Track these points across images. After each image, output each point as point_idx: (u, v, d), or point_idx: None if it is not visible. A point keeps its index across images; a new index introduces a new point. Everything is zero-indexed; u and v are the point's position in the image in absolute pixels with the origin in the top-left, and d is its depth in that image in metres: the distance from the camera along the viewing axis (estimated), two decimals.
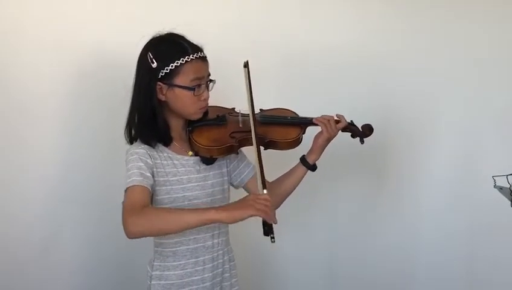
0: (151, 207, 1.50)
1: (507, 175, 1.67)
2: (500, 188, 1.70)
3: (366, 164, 2.30)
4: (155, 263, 1.64)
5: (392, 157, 2.35)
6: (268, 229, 1.38)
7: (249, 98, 1.58)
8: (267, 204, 1.39)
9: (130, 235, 1.41)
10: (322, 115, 1.74)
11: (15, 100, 2.01)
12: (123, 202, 1.52)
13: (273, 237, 1.38)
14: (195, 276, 1.63)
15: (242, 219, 1.38)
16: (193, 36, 1.60)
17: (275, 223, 1.38)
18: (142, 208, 1.43)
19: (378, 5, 2.30)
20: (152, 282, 1.63)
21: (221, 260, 1.68)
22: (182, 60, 1.53)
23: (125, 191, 1.50)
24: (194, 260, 1.62)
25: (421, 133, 2.38)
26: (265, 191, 1.44)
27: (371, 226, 2.42)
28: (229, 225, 1.71)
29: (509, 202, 1.69)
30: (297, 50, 2.25)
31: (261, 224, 1.40)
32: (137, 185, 1.48)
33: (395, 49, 2.32)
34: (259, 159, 1.49)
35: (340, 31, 2.28)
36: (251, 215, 1.37)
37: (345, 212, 2.40)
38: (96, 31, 2.04)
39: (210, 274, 1.64)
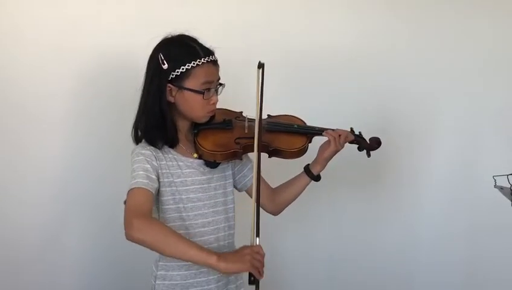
0: (159, 222, 1.51)
1: (507, 175, 1.67)
2: (501, 188, 1.71)
3: (366, 165, 2.28)
4: (160, 263, 1.64)
5: (392, 158, 2.35)
6: (255, 282, 1.43)
7: (258, 103, 1.53)
8: (261, 260, 1.42)
9: (130, 238, 1.40)
10: (336, 129, 1.73)
11: (20, 102, 2.02)
12: (125, 202, 1.52)
13: None
14: (200, 277, 1.63)
15: (237, 273, 1.47)
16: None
17: (261, 278, 1.43)
18: (149, 216, 1.44)
19: (378, 5, 2.31)
20: (156, 282, 1.63)
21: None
22: (193, 63, 1.52)
23: (129, 191, 1.49)
24: None
25: (421, 133, 2.39)
26: (257, 240, 1.46)
27: (371, 227, 2.43)
28: (234, 228, 1.72)
29: (510, 202, 1.70)
30: (297, 50, 2.25)
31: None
32: (142, 188, 1.48)
33: (394, 50, 2.32)
34: (257, 203, 1.48)
35: (340, 31, 2.29)
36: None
37: (345, 213, 2.40)
38: (98, 31, 2.05)
39: (215, 276, 1.64)
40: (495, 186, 1.72)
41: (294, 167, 1.77)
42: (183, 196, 1.60)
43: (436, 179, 2.40)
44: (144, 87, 1.59)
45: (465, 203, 2.41)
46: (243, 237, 1.78)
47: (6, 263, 2.06)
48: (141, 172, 1.51)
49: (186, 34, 1.59)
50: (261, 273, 1.42)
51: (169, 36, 1.59)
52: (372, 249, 2.43)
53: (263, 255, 1.44)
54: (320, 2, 2.27)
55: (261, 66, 1.53)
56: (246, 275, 1.74)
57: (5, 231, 2.05)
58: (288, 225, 2.32)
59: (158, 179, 1.56)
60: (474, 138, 2.39)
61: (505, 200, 1.73)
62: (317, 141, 1.75)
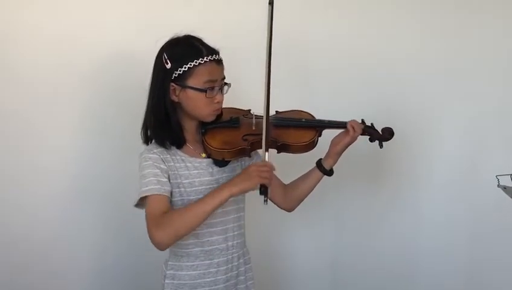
0: (169, 213, 1.52)
1: (511, 174, 1.70)
2: (504, 188, 1.72)
3: (368, 165, 2.30)
4: (169, 262, 1.65)
5: (394, 158, 2.34)
6: (264, 191, 1.50)
7: (268, 40, 1.55)
8: (268, 170, 1.51)
9: (163, 248, 1.49)
10: (352, 120, 1.74)
11: (25, 101, 2.02)
12: (135, 205, 1.56)
13: (266, 200, 1.51)
14: (208, 278, 1.63)
15: (250, 190, 1.53)
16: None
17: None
18: (162, 218, 1.48)
19: (379, 4, 2.32)
20: (166, 281, 1.64)
21: (235, 263, 1.68)
22: (196, 62, 1.54)
23: (142, 198, 1.52)
24: (207, 261, 1.63)
25: (423, 133, 2.38)
26: (266, 155, 1.52)
27: (373, 226, 2.42)
28: (244, 228, 1.72)
29: None
30: (299, 50, 2.26)
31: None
32: (157, 195, 1.51)
33: (395, 50, 2.33)
34: (266, 118, 1.53)
35: (341, 28, 2.29)
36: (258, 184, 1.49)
37: (348, 213, 2.40)
38: (101, 32, 2.06)
39: (223, 277, 1.64)
40: (498, 185, 1.73)
41: (307, 163, 1.77)
42: (191, 197, 1.60)
43: (439, 178, 2.40)
44: (151, 88, 1.61)
45: (468, 203, 2.40)
46: (253, 236, 1.80)
47: (16, 257, 2.06)
48: (152, 178, 1.53)
49: (192, 34, 1.61)
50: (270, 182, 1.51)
51: (175, 37, 1.61)
52: (374, 248, 2.42)
53: (270, 166, 1.53)
54: (321, 2, 2.28)
55: (271, 2, 1.55)
56: (255, 276, 1.76)
57: (19, 226, 2.05)
58: (290, 224, 2.31)
59: (169, 180, 1.57)
60: (476, 137, 2.39)
61: (508, 200, 1.76)
62: (328, 135, 1.75)
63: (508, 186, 1.72)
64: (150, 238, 1.46)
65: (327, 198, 2.34)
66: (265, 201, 1.51)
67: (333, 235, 2.41)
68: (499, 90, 2.39)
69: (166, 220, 1.47)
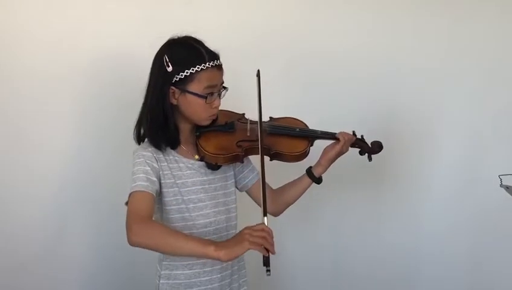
0: (157, 223, 1.51)
1: None
2: (507, 187, 1.71)
3: (368, 167, 2.22)
4: (164, 262, 1.66)
5: (394, 160, 2.32)
6: (265, 261, 1.32)
7: (259, 108, 1.57)
8: (263, 235, 1.33)
9: (132, 243, 1.40)
10: (342, 131, 1.75)
11: (23, 101, 2.04)
12: (126, 203, 1.54)
13: (269, 270, 1.31)
14: (204, 276, 1.65)
15: (239, 256, 1.36)
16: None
17: (273, 254, 1.32)
18: (148, 219, 1.44)
19: (379, 7, 2.29)
20: (160, 281, 1.66)
21: (230, 262, 1.66)
22: (198, 68, 1.52)
23: (130, 194, 1.51)
24: (203, 260, 1.64)
25: (423, 134, 2.37)
26: (265, 220, 1.39)
27: (373, 229, 2.42)
28: (236, 228, 1.72)
29: None
30: (300, 53, 2.25)
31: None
32: (142, 191, 1.49)
33: (395, 52, 2.31)
34: (263, 185, 1.48)
35: (341, 32, 2.27)
36: (248, 250, 1.33)
37: (346, 216, 2.40)
38: (101, 32, 2.07)
39: (219, 275, 1.66)
40: (501, 185, 1.72)
41: (297, 168, 1.77)
42: (184, 197, 1.61)
43: (439, 182, 2.38)
44: (148, 88, 1.59)
45: (469, 206, 2.39)
46: None
47: (12, 258, 2.09)
48: (141, 175, 1.52)
49: (193, 36, 1.59)
50: (268, 249, 1.32)
51: (175, 37, 1.59)
52: (374, 253, 2.42)
53: (268, 231, 1.34)
54: (323, 4, 2.26)
55: (258, 74, 1.57)
56: (250, 274, 1.78)
57: (13, 227, 2.08)
58: (289, 227, 2.32)
59: (159, 180, 1.57)
60: (476, 140, 2.37)
61: (510, 203, 1.73)
62: (320, 145, 1.75)
63: (510, 186, 1.70)
64: (127, 232, 1.39)
65: (326, 202, 2.34)
66: (268, 271, 1.30)
67: (332, 239, 2.41)
68: (499, 90, 2.36)
69: (151, 226, 1.43)
